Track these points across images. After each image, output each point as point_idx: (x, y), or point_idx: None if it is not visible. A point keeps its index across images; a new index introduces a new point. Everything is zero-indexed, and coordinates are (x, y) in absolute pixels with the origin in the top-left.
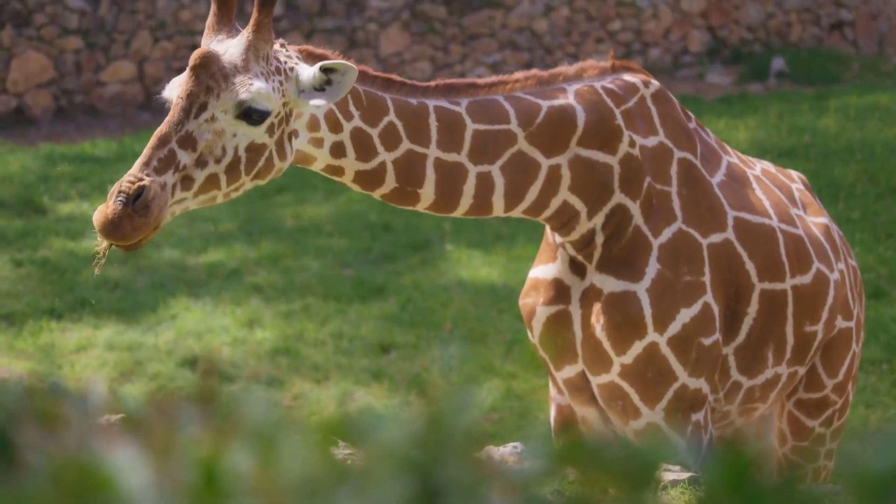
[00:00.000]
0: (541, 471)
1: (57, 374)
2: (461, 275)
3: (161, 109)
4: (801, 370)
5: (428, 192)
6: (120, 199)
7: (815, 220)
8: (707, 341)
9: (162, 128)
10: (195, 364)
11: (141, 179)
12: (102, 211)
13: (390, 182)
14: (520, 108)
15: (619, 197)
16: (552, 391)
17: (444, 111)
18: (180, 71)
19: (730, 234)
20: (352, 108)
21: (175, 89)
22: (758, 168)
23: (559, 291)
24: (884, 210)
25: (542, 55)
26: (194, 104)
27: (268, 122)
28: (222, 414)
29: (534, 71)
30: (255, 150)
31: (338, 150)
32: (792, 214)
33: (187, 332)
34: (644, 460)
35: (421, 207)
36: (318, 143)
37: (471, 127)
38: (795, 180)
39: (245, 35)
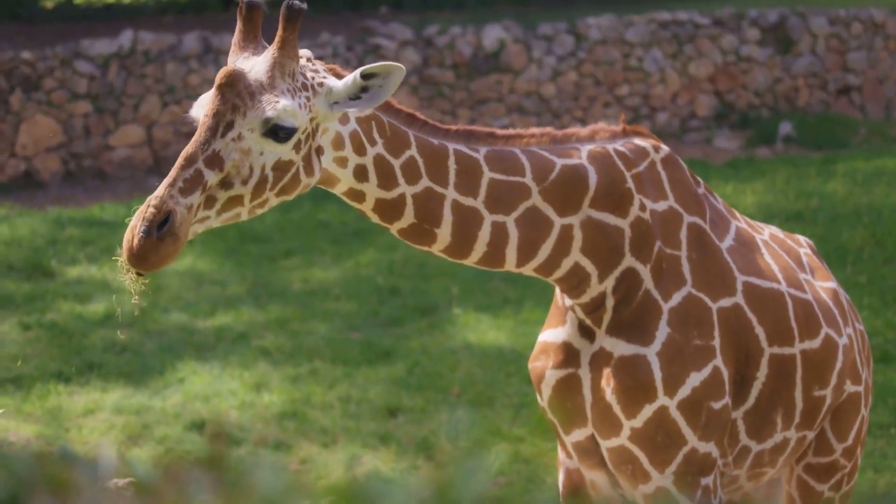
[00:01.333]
0: None
1: (64, 437)
2: (469, 339)
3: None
4: (810, 434)
5: (444, 234)
6: (144, 227)
7: (824, 285)
8: (717, 405)
9: (188, 147)
10: (203, 428)
11: (166, 203)
12: (128, 238)
13: (409, 216)
14: (535, 163)
15: (629, 260)
16: (561, 455)
17: (463, 155)
18: (189, 136)
19: (739, 298)
20: (375, 135)
21: (202, 108)
22: (766, 233)
23: (569, 355)
24: (891, 274)
25: (550, 119)
26: (221, 123)
27: (294, 138)
28: (232, 479)
29: (548, 129)
30: (281, 167)
31: (361, 174)
32: (800, 279)
33: (195, 395)
34: None
35: (436, 249)
36: (342, 162)
37: (487, 175)
38: (803, 245)
39: (271, 52)
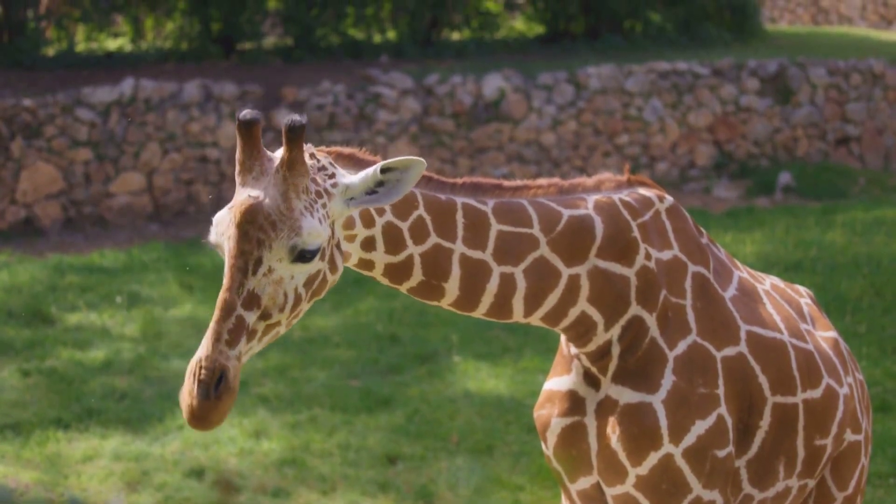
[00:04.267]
0: None
1: (63, 484)
2: (468, 386)
3: (170, 220)
4: (811, 483)
5: (452, 288)
6: (201, 391)
7: (824, 335)
8: (721, 453)
9: (222, 296)
10: (202, 475)
11: (217, 361)
12: (187, 401)
13: (417, 275)
14: (542, 214)
15: (635, 309)
16: None
17: (471, 209)
18: (189, 183)
19: (743, 347)
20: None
21: (221, 235)
22: (767, 283)
23: (574, 403)
24: (890, 324)
25: (550, 168)
26: (249, 262)
27: (320, 252)
28: None
29: (555, 179)
30: (311, 280)
31: (368, 245)
32: (802, 329)
33: (194, 442)
34: None
35: (445, 304)
36: (351, 238)
37: (496, 227)
38: (803, 295)
39: (281, 174)
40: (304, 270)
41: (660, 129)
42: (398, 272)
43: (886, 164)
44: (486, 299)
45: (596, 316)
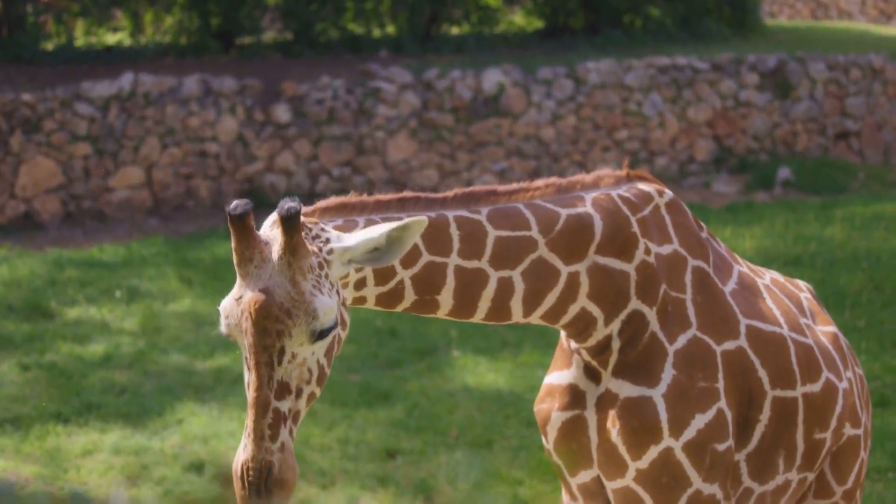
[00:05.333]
0: None
1: (63, 478)
2: (467, 381)
3: (169, 214)
4: (811, 476)
5: (446, 299)
6: (252, 493)
7: (824, 329)
8: (721, 447)
9: (253, 395)
10: (202, 469)
11: (262, 460)
12: (242, 500)
13: (409, 296)
14: (539, 216)
15: (635, 303)
16: (564, 498)
17: (464, 220)
18: (188, 177)
19: (742, 341)
20: None
21: (233, 327)
22: (767, 277)
23: (574, 397)
24: (889, 319)
25: (549, 163)
26: (273, 354)
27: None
28: None
29: (553, 179)
30: (329, 348)
31: (360, 284)
32: (801, 324)
33: (194, 436)
34: None
35: (441, 314)
36: (344, 285)
37: (492, 233)
38: (803, 290)
39: (285, 260)
40: (323, 343)
41: (659, 123)
42: (390, 299)
43: (886, 158)
44: (484, 304)
45: (596, 311)
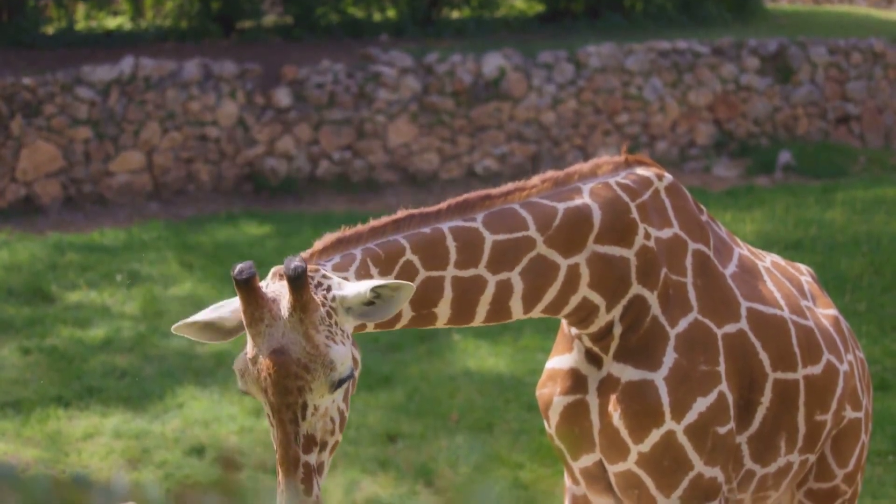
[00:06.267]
0: None
1: (64, 461)
2: (468, 365)
3: (170, 198)
4: (812, 458)
5: (443, 310)
6: None
7: (825, 312)
8: (722, 430)
9: (282, 452)
10: (203, 452)
11: None
12: None
13: (407, 314)
14: (537, 214)
15: (636, 288)
16: (567, 482)
17: (460, 230)
18: (188, 161)
19: (743, 324)
20: (372, 271)
21: (251, 385)
22: (767, 260)
23: (576, 381)
24: (890, 302)
25: (550, 147)
26: (297, 411)
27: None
28: None
29: (549, 173)
30: (347, 393)
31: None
32: (802, 306)
33: (194, 420)
34: None
35: (440, 325)
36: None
37: (489, 239)
38: (804, 273)
39: (296, 317)
40: (341, 390)
41: (660, 108)
42: (389, 321)
43: (887, 142)
44: (482, 309)
45: (597, 299)
